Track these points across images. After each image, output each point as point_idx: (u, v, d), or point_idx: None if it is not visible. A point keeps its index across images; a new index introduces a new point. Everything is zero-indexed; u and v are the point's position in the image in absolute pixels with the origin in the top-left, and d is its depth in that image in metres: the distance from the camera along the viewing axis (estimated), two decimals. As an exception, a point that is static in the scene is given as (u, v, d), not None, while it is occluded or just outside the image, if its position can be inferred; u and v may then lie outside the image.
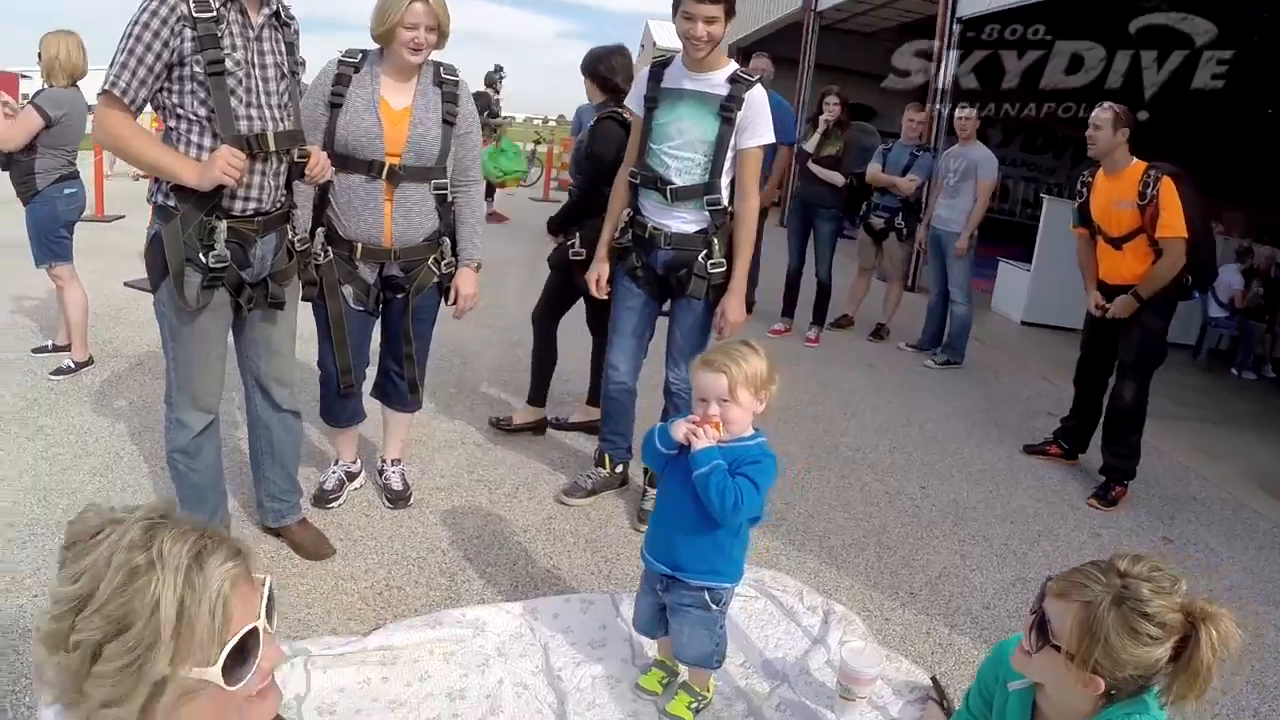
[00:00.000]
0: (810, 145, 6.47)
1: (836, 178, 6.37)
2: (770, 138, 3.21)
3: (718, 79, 3.14)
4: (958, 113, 6.28)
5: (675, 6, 3.05)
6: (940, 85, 8.42)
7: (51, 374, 4.61)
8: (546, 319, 4.32)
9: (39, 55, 4.34)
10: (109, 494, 3.44)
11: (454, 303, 3.31)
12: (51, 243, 4.54)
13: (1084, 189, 4.14)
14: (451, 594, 2.96)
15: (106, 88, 2.43)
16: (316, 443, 3.95)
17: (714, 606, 2.23)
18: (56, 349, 4.87)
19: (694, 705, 2.34)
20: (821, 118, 6.42)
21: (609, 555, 3.26)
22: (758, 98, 3.14)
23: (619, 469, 3.70)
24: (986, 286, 8.68)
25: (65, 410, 4.18)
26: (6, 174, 4.53)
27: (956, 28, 8.19)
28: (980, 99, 7.85)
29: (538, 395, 4.36)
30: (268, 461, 3.07)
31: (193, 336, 2.66)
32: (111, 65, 2.41)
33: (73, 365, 4.67)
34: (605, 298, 3.49)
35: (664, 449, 2.18)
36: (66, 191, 4.50)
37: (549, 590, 3.00)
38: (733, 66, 3.18)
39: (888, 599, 3.10)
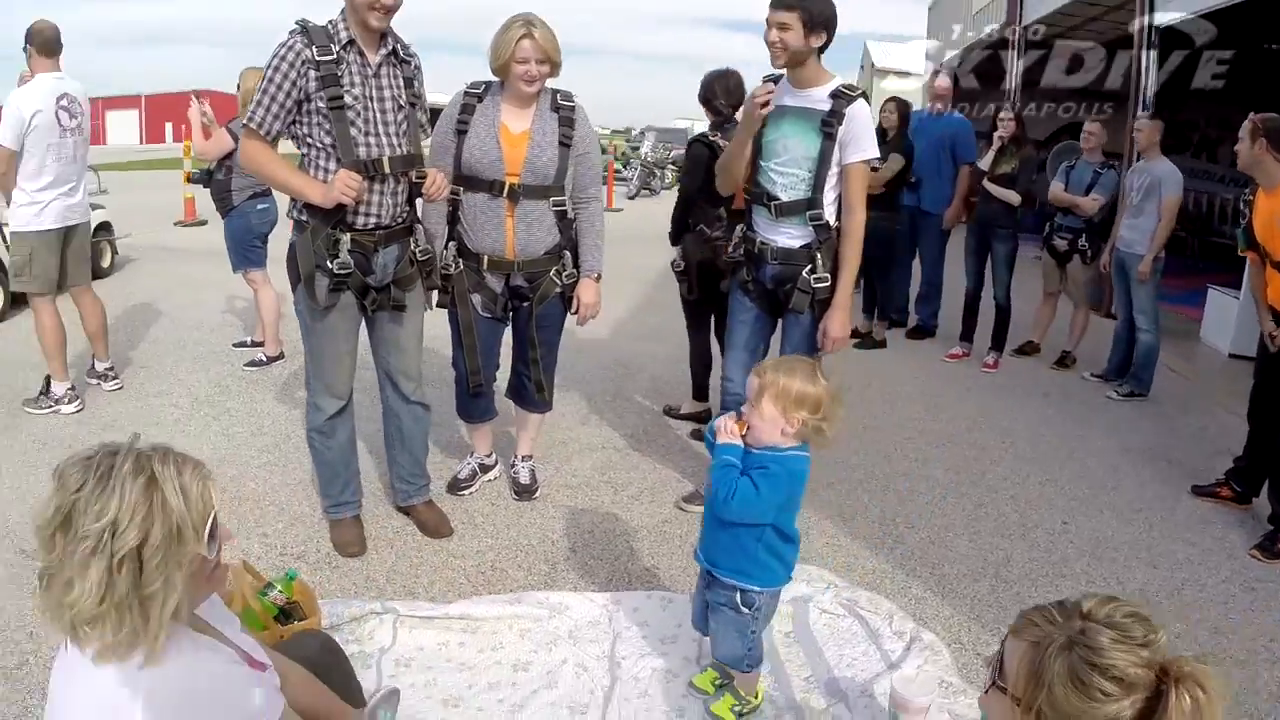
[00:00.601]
0: (985, 163, 6.22)
1: (1012, 196, 6.08)
2: (874, 153, 3.16)
3: (819, 94, 3.13)
4: (1136, 124, 5.77)
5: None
6: (1141, 97, 7.74)
7: (245, 365, 5.31)
8: (690, 326, 4.72)
9: (238, 87, 5.02)
10: (273, 468, 3.94)
11: (576, 311, 3.50)
12: (246, 251, 5.23)
13: (1246, 209, 3.71)
14: (549, 579, 3.13)
15: (245, 122, 2.85)
16: (466, 437, 4.16)
17: (745, 610, 2.25)
18: (254, 344, 5.59)
19: (737, 708, 2.36)
20: (995, 135, 6.16)
21: (710, 561, 3.31)
22: (859, 112, 3.10)
23: None
24: (1197, 315, 7.88)
25: (250, 396, 4.80)
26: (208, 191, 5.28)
27: (1156, 36, 7.51)
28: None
29: (699, 391, 4.81)
30: (398, 447, 3.40)
31: (324, 332, 3.02)
32: (250, 103, 2.83)
33: (265, 359, 5.34)
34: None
35: (711, 441, 2.25)
36: (259, 207, 5.16)
37: (641, 587, 3.10)
38: (836, 82, 3.16)
39: (987, 633, 2.92)
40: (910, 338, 7.10)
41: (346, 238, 2.90)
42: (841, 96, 3.10)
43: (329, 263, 2.89)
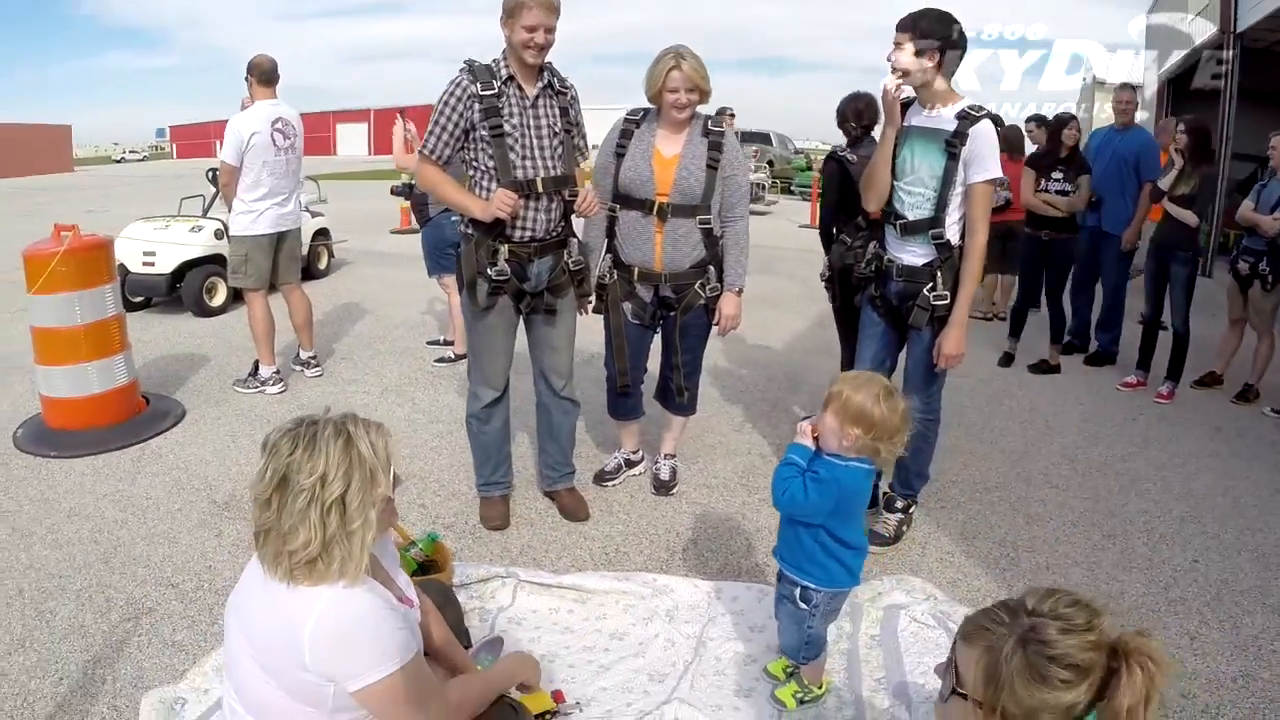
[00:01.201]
0: (1165, 183, 5.93)
1: (1189, 217, 5.76)
2: (997, 173, 3.23)
3: (946, 115, 3.25)
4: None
5: None
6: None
7: (435, 360, 5.99)
8: (841, 336, 4.73)
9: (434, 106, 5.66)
10: (441, 450, 4.49)
11: (718, 322, 3.80)
12: (440, 257, 5.86)
13: None
14: (664, 564, 3.45)
15: (420, 148, 3.35)
16: (617, 434, 4.44)
17: (803, 605, 2.46)
18: (445, 343, 6.26)
19: (799, 695, 2.57)
20: (1171, 149, 5.83)
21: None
22: (983, 132, 3.19)
23: None
24: None
25: (435, 388, 5.42)
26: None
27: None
28: None
29: None
30: (546, 437, 3.84)
31: (483, 330, 3.49)
32: (425, 132, 3.32)
33: (453, 356, 5.98)
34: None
35: None
36: (453, 219, 5.70)
37: (748, 580, 3.33)
38: (964, 103, 3.26)
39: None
40: (1089, 364, 6.84)
41: (505, 248, 3.32)
42: (967, 117, 3.21)
43: (489, 269, 3.32)
